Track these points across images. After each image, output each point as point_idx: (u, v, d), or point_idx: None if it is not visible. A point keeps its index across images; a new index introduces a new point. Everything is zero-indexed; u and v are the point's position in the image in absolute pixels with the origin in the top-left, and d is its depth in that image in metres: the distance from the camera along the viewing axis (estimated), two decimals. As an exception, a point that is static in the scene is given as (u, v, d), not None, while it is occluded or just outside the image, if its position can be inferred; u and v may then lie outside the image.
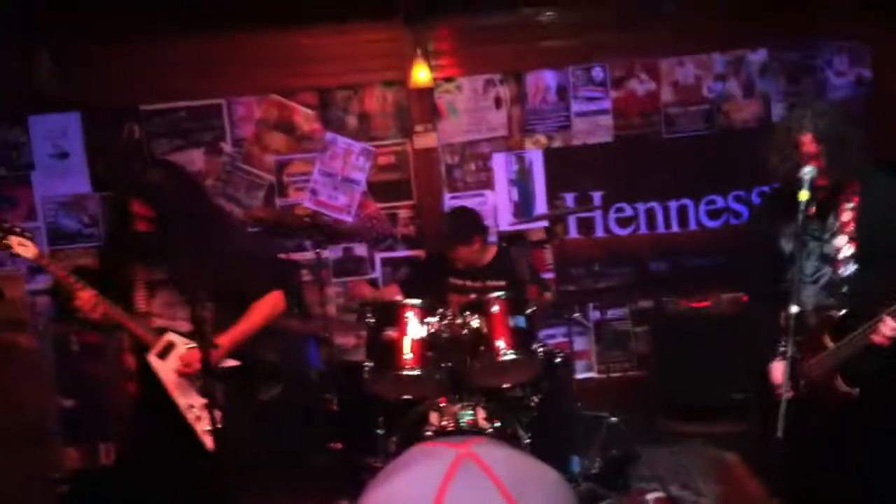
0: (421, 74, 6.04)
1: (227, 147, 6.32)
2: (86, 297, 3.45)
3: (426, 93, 6.23)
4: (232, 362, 3.63)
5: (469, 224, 4.99)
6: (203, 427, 3.53)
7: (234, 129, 6.32)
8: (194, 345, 3.52)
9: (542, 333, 5.93)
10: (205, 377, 3.28)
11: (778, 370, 3.29)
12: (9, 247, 3.48)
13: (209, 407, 3.34)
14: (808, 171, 3.20)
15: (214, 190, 6.26)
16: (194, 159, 6.28)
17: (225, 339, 3.60)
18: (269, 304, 3.78)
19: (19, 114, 6.19)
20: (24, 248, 3.49)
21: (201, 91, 6.29)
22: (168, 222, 3.45)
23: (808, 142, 3.23)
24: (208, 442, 3.51)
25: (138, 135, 6.27)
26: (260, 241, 5.72)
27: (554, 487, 0.95)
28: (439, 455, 0.93)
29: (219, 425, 3.26)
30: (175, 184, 3.57)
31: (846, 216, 3.31)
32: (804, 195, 3.18)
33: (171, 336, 3.59)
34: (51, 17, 5.39)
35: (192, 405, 3.57)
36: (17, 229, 3.52)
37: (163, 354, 3.58)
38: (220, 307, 3.63)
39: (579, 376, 5.65)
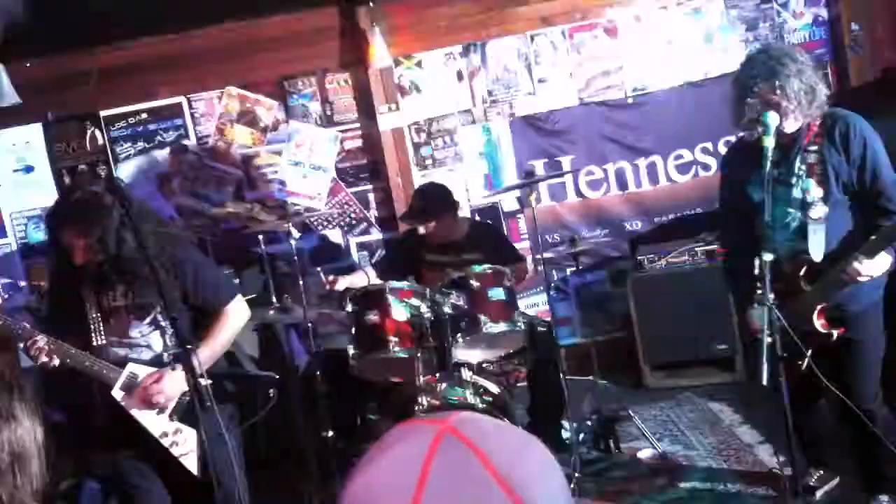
0: (379, 54, 5.99)
1: (191, 145, 6.26)
2: (39, 346, 3.27)
3: (387, 72, 6.19)
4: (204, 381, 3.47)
5: (439, 198, 4.97)
6: (181, 451, 3.43)
7: (197, 126, 6.27)
8: (158, 371, 3.43)
9: (525, 302, 5.97)
10: (192, 394, 3.11)
11: (756, 317, 3.31)
12: None
13: (196, 426, 3.28)
14: (770, 117, 3.20)
15: (182, 188, 6.22)
16: (160, 159, 6.23)
17: (203, 355, 3.32)
18: (233, 313, 3.63)
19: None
20: None
21: (160, 91, 6.24)
22: (105, 245, 3.28)
23: (766, 89, 3.23)
24: (192, 467, 3.44)
25: (102, 141, 6.21)
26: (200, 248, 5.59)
27: (541, 457, 0.95)
28: (420, 433, 0.93)
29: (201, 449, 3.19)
30: (97, 201, 3.30)
31: (812, 158, 3.33)
32: (768, 142, 3.19)
33: (132, 366, 3.43)
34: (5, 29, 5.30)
35: (166, 432, 3.44)
36: None
37: (127, 388, 3.40)
38: (179, 325, 3.49)
39: (564, 342, 5.66)
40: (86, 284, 3.47)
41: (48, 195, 6.17)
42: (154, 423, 3.44)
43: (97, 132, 6.23)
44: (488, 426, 0.97)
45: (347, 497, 0.92)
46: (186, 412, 3.44)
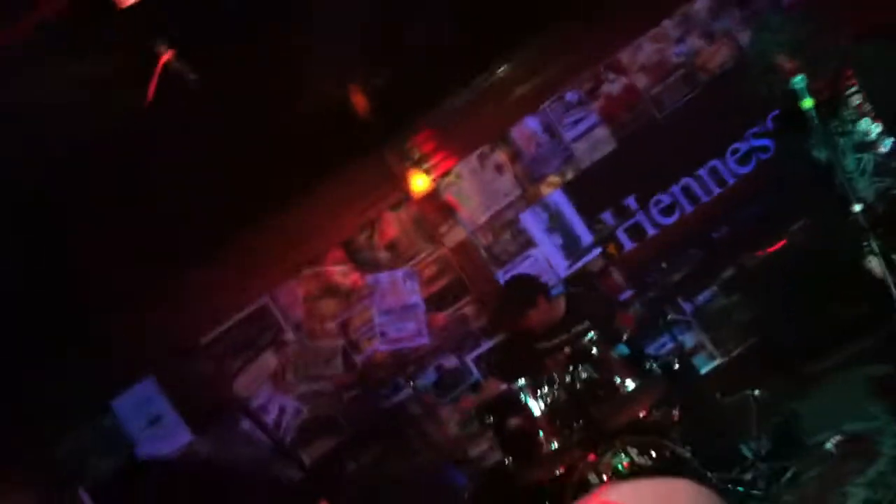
0: (419, 183, 6.21)
1: (289, 336, 6.46)
2: None
3: (432, 195, 6.36)
4: None
5: (525, 288, 5.02)
6: None
7: (288, 317, 6.47)
8: None
9: (651, 349, 5.89)
10: None
11: (875, 265, 3.24)
12: None
13: None
14: (798, 82, 3.20)
15: (297, 378, 6.39)
16: (267, 361, 6.43)
17: None
18: None
19: (102, 401, 6.39)
20: None
21: (244, 301, 6.48)
22: None
23: (781, 60, 3.25)
24: None
25: (210, 368, 6.45)
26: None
27: (691, 499, 0.98)
28: None
29: None
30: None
31: (855, 99, 3.31)
32: (808, 102, 3.18)
33: None
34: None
35: None
36: None
37: None
38: None
39: (705, 370, 5.55)
40: None
41: (181, 434, 6.39)
42: None
43: (202, 362, 6.46)
44: (633, 487, 1.00)
45: None
46: None
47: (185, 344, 6.45)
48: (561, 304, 5.08)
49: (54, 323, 5.49)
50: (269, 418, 6.31)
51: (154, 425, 6.44)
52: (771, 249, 5.64)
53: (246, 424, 6.35)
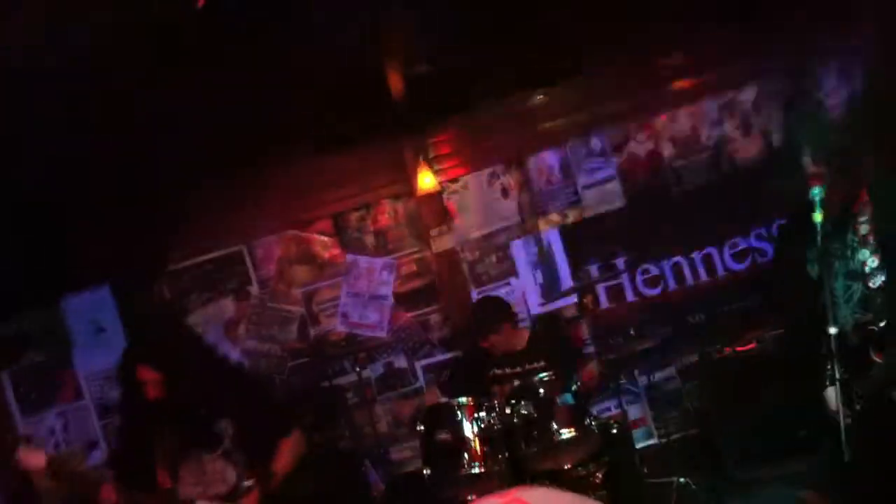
0: (426, 181, 6.19)
1: (254, 289, 6.44)
2: (105, 496, 3.40)
3: (435, 197, 6.35)
4: None
5: (495, 311, 5.03)
6: None
7: (258, 270, 6.45)
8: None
9: (595, 408, 5.88)
10: None
11: (831, 396, 3.25)
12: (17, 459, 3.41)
13: None
14: (816, 192, 3.22)
15: (248, 332, 6.36)
16: (225, 308, 6.40)
17: (269, 480, 3.57)
18: (294, 444, 3.79)
19: (53, 295, 6.36)
20: (34, 458, 3.42)
21: (222, 241, 6.45)
22: (179, 380, 3.46)
23: (809, 164, 3.26)
24: None
25: (169, 295, 6.42)
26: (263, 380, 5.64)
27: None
28: None
29: None
30: (176, 338, 3.65)
31: (864, 229, 3.32)
32: (818, 216, 3.19)
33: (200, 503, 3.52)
34: (73, 199, 5.61)
35: None
36: (24, 438, 3.57)
37: None
38: (248, 455, 3.61)
39: (640, 445, 5.55)
40: (156, 422, 3.58)
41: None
42: None
43: (164, 288, 6.43)
44: (551, 494, 1.00)
45: None
46: None
47: (150, 265, 6.40)
48: (524, 337, 5.09)
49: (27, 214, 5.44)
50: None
51: (97, 334, 6.40)
52: (739, 349, 5.66)
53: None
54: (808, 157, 3.27)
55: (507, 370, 4.98)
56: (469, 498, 4.28)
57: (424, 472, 4.24)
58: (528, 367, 4.90)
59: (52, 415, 6.34)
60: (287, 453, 3.73)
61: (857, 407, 3.23)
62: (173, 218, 6.30)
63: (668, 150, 6.41)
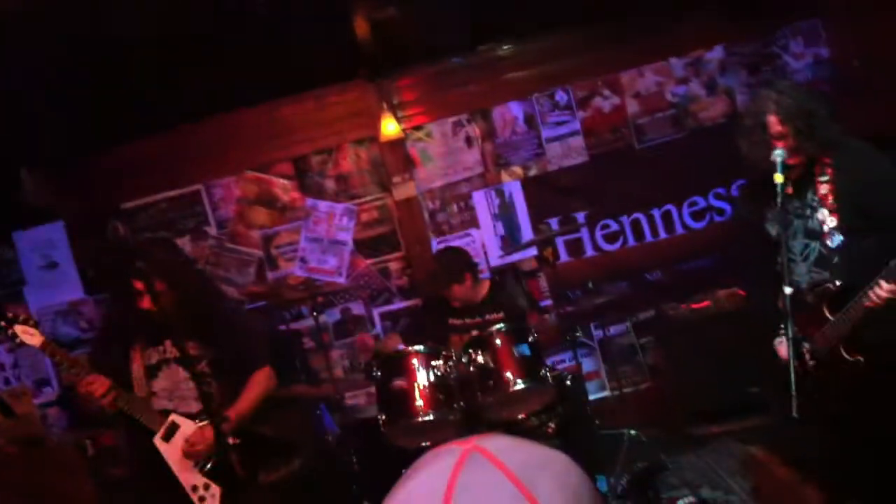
0: (390, 128, 6.11)
1: (211, 230, 6.37)
2: (98, 383, 3.47)
3: (398, 144, 6.30)
4: (232, 440, 3.65)
5: (457, 262, 5.03)
6: None
7: (216, 211, 6.37)
8: (200, 423, 3.58)
9: (550, 360, 5.94)
10: (218, 452, 3.31)
11: (782, 350, 3.31)
12: (15, 336, 3.47)
13: (220, 482, 3.35)
14: (778, 153, 3.26)
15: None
16: (182, 247, 6.31)
17: (232, 414, 3.64)
18: (266, 378, 3.86)
19: (4, 230, 6.24)
20: (31, 337, 3.48)
21: (179, 180, 6.36)
22: (171, 296, 3.52)
23: (773, 123, 3.28)
24: None
25: (123, 232, 6.32)
26: (251, 315, 5.75)
27: (564, 468, 0.96)
28: (446, 454, 0.96)
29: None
30: (172, 256, 3.69)
31: (823, 189, 3.35)
32: (779, 177, 3.23)
33: (174, 417, 3.62)
34: (29, 132, 5.47)
35: (196, 485, 3.58)
36: (22, 317, 3.51)
37: (167, 437, 3.60)
38: (222, 382, 3.66)
39: (593, 397, 5.63)
40: (137, 335, 3.67)
41: (73, 290, 6.28)
42: (187, 475, 3.58)
43: (119, 225, 6.32)
44: (513, 443, 0.99)
45: None
46: (215, 469, 3.60)
47: (104, 203, 6.30)
48: (484, 288, 5.09)
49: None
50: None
51: (49, 270, 6.29)
52: (695, 306, 5.73)
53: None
54: (771, 116, 3.28)
55: (467, 320, 4.99)
56: (423, 444, 4.32)
57: (379, 418, 4.25)
58: (487, 317, 4.91)
59: (1, 350, 6.25)
60: (256, 387, 3.78)
61: (809, 364, 3.29)
62: (129, 156, 6.20)
63: (632, 107, 6.40)
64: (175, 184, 6.37)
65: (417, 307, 6.08)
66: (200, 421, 3.62)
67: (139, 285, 3.49)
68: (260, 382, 3.81)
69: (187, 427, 3.62)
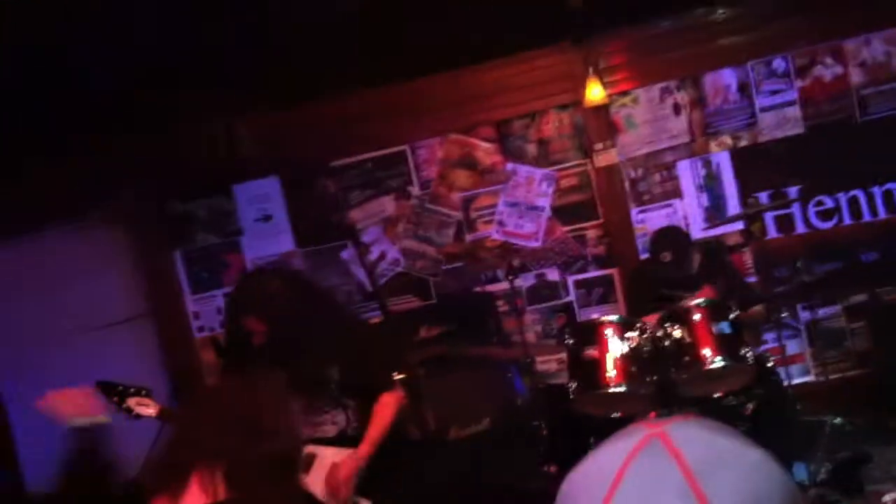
0: (595, 92, 6.02)
1: (414, 190, 6.53)
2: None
3: (602, 110, 6.20)
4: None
5: (683, 243, 4.91)
6: None
7: (420, 171, 6.53)
8: (338, 452, 3.51)
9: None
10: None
11: None
12: (129, 410, 3.39)
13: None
14: None
15: (406, 232, 6.49)
16: (385, 206, 6.54)
17: (364, 449, 3.52)
18: (395, 402, 3.65)
19: (225, 184, 6.68)
20: (145, 408, 3.44)
21: (386, 140, 6.55)
22: (285, 333, 3.44)
23: None
24: None
25: (333, 189, 6.60)
26: (374, 331, 5.40)
27: (753, 468, 0.93)
28: (632, 434, 0.96)
29: None
30: (289, 293, 3.50)
31: None
32: None
33: (311, 448, 3.48)
34: (245, 89, 5.81)
35: None
36: (133, 390, 3.43)
37: (306, 468, 3.45)
38: (353, 404, 3.60)
39: (796, 381, 5.36)
40: (257, 364, 3.52)
41: (286, 242, 6.65)
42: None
43: (329, 181, 6.61)
44: (703, 435, 0.97)
45: (562, 484, 0.99)
46: (361, 484, 3.52)
47: (315, 160, 6.60)
48: (696, 260, 4.97)
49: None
50: (369, 258, 6.45)
51: (264, 222, 6.68)
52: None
53: (347, 254, 6.53)
54: None
55: (677, 292, 4.89)
56: (613, 415, 4.29)
57: (569, 385, 4.26)
58: (696, 292, 4.80)
59: (219, 295, 6.71)
60: (385, 410, 3.59)
61: None
62: (339, 117, 6.45)
63: (856, 77, 5.98)
64: (382, 143, 6.57)
65: (633, 275, 5.89)
66: (338, 448, 3.53)
67: (252, 325, 3.45)
68: (389, 405, 3.61)
69: (327, 455, 3.51)
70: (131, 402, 3.40)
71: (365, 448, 3.50)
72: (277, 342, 3.44)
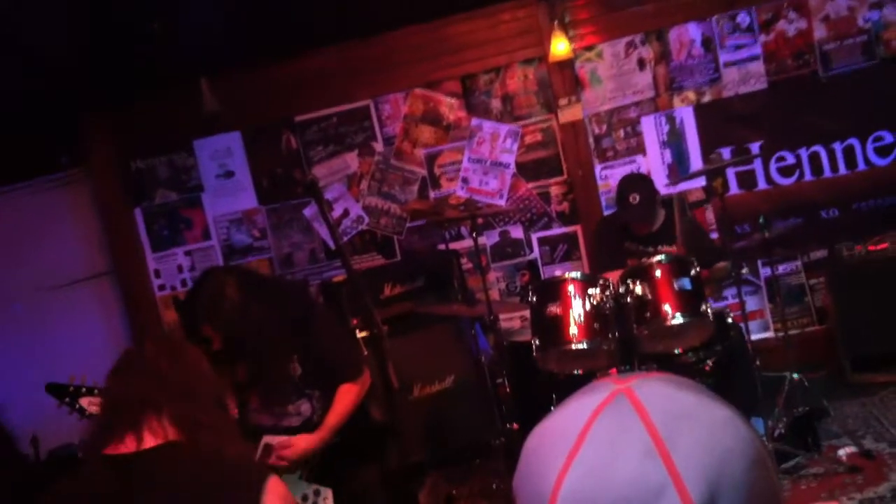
0: (560, 47, 5.98)
1: (378, 146, 6.48)
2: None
3: (567, 65, 6.16)
4: None
5: (652, 192, 4.92)
6: None
7: (384, 127, 6.47)
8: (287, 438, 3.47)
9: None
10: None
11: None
12: (83, 410, 3.26)
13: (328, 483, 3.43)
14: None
15: (370, 189, 6.44)
16: (349, 162, 6.48)
17: (320, 433, 3.48)
18: (357, 390, 3.60)
19: (186, 139, 6.58)
20: (98, 407, 3.40)
21: (349, 95, 6.47)
22: (241, 338, 3.39)
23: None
24: None
25: (295, 145, 6.53)
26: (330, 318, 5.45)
27: (718, 426, 0.92)
28: (598, 390, 0.96)
29: None
30: (241, 297, 3.44)
31: None
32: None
33: (267, 439, 3.45)
34: (208, 46, 5.69)
35: (306, 495, 3.46)
36: (84, 389, 3.29)
37: (264, 458, 3.41)
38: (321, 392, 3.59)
39: (755, 337, 5.42)
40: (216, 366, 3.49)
41: (248, 199, 6.58)
42: (293, 487, 3.41)
43: (291, 137, 6.53)
44: (669, 391, 0.96)
45: (527, 440, 0.99)
46: (321, 473, 3.52)
47: (278, 115, 6.50)
48: (660, 217, 4.99)
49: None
50: (333, 214, 6.39)
51: (226, 178, 6.60)
52: (872, 247, 5.41)
53: (309, 212, 6.47)
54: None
55: (641, 247, 4.91)
56: (575, 372, 4.32)
57: (532, 342, 4.27)
58: (660, 248, 4.82)
59: (180, 252, 6.64)
60: (343, 398, 3.55)
61: None
62: (303, 69, 6.35)
63: (819, 32, 5.99)
64: (346, 99, 6.49)
65: (598, 230, 5.88)
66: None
67: (207, 332, 3.40)
68: (349, 392, 3.56)
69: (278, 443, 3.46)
70: (84, 401, 3.31)
71: (321, 432, 3.46)
72: (234, 347, 3.40)
